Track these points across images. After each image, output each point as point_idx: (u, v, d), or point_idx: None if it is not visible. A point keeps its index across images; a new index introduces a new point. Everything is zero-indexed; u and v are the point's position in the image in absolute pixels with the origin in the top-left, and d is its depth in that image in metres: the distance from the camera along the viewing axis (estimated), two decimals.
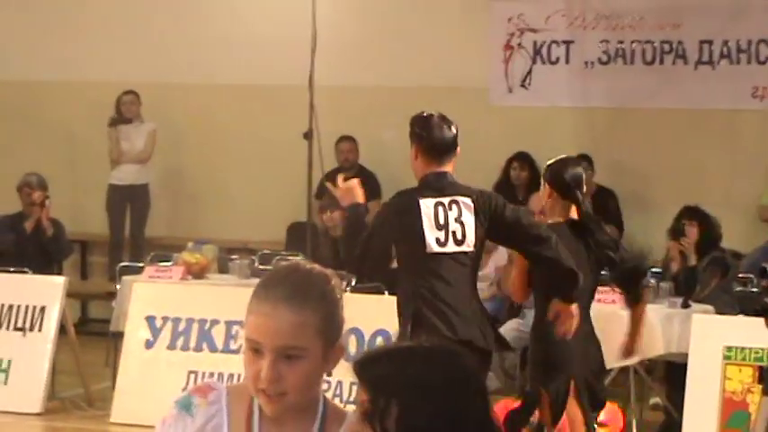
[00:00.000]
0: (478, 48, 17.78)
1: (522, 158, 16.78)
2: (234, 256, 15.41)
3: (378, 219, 8.96)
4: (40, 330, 13.54)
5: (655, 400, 13.71)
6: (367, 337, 12.74)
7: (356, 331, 12.59)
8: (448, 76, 17.41)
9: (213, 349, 13.38)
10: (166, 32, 18.57)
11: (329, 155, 16.18)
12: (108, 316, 15.06)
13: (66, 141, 16.96)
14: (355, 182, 9.34)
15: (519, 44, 17.71)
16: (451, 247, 8.59)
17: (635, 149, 16.99)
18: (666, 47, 16.98)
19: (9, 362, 13.51)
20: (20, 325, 13.63)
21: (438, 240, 8.58)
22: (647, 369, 13.14)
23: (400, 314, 8.81)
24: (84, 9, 18.86)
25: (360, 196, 8.96)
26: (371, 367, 3.39)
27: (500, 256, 14.71)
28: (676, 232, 14.04)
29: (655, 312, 12.29)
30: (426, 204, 8.59)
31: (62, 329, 13.57)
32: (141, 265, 15.29)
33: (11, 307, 13.68)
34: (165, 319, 13.37)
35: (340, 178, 9.58)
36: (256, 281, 4.12)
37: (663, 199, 16.26)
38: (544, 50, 17.57)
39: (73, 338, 13.72)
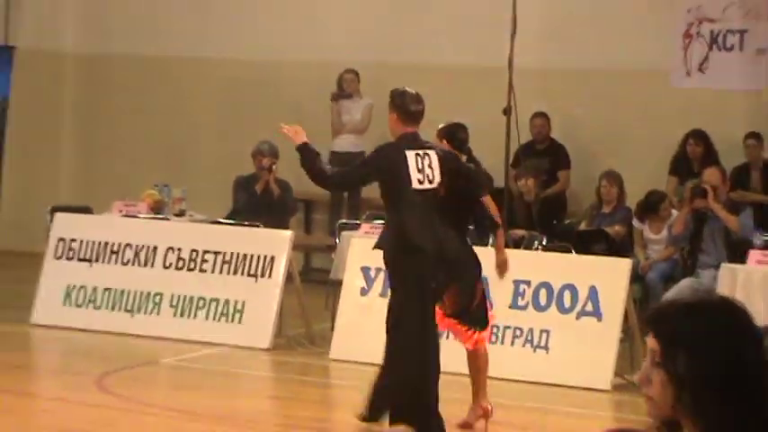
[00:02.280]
0: (660, 35, 17.73)
1: (698, 135, 16.68)
2: None
3: (372, 157, 10.74)
4: (269, 277, 13.94)
5: None
6: (556, 291, 12.92)
7: (546, 285, 12.94)
8: (632, 60, 17.41)
9: None
10: (383, 17, 18.71)
11: (524, 129, 16.22)
12: (328, 266, 15.48)
13: (295, 113, 17.26)
14: (298, 126, 10.89)
15: (697, 33, 17.72)
16: (426, 186, 10.27)
17: None
18: None
19: (243, 303, 13.91)
20: (252, 272, 14.01)
21: (419, 180, 10.24)
22: None
23: (388, 232, 10.52)
24: None
25: (303, 137, 10.49)
26: (662, 321, 3.49)
27: (675, 220, 14.86)
28: None
29: None
30: (409, 155, 10.20)
31: (288, 277, 13.93)
32: (358, 222, 15.65)
33: (245, 256, 14.05)
34: (378, 270, 13.32)
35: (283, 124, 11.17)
36: None
37: None
38: (720, 38, 17.52)
39: (298, 285, 14.12)
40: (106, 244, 14.75)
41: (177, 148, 19.17)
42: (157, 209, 15.26)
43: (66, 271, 14.85)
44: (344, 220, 16.58)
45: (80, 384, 12.15)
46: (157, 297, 14.47)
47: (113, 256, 14.70)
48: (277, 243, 14.23)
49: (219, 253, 14.31)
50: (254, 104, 19.22)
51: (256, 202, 15.60)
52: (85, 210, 15.84)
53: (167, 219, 15.26)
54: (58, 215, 15.33)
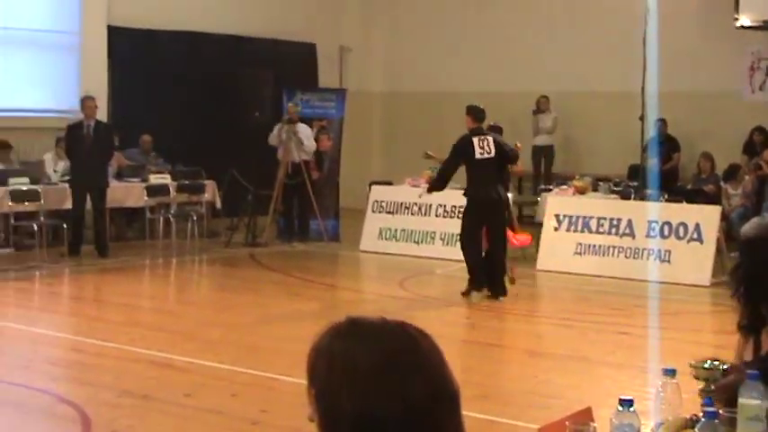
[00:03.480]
0: (735, 68, 16.94)
1: (759, 130, 16.06)
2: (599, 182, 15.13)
3: (454, 149, 11.42)
4: None
5: None
6: (674, 226, 12.86)
7: (668, 223, 12.95)
8: (717, 83, 16.84)
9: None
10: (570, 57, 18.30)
11: (651, 128, 16.31)
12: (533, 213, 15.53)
13: (510, 125, 16.57)
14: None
15: (758, 66, 16.96)
16: (485, 156, 11.15)
17: None
18: None
19: None
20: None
21: (480, 153, 11.14)
22: None
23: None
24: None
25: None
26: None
27: (746, 182, 14.85)
28: None
29: None
30: (473, 139, 11.22)
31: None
32: (550, 187, 15.52)
33: None
34: (565, 216, 13.64)
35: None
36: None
37: None
38: None
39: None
40: (401, 203, 15.10)
41: (441, 148, 18.97)
42: (430, 181, 14.83)
43: (379, 219, 15.31)
44: (542, 186, 16.65)
45: (389, 284, 12.55)
46: (432, 233, 14.71)
47: (406, 210, 15.03)
48: None
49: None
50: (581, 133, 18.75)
51: None
52: (389, 183, 16.21)
53: None
54: (374, 187, 15.89)
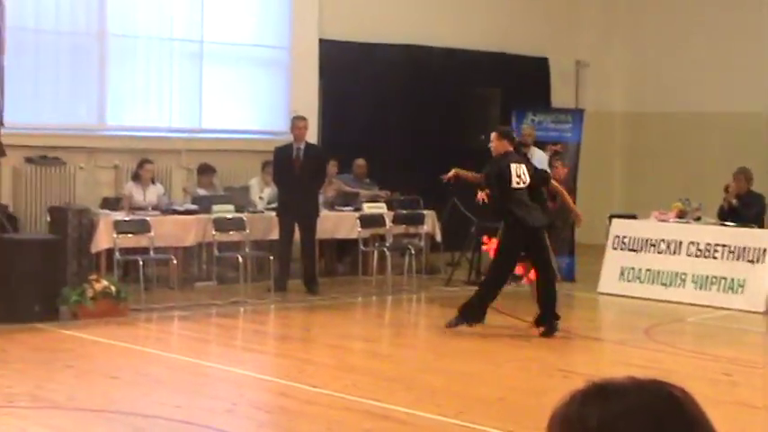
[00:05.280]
0: None
1: None
2: None
3: (488, 171, 11.76)
4: (763, 262, 13.68)
5: None
6: None
7: None
8: None
9: None
10: None
11: None
12: None
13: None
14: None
15: None
16: (521, 185, 11.47)
17: None
18: None
19: (744, 280, 13.73)
20: (750, 258, 13.83)
21: (516, 182, 11.46)
22: None
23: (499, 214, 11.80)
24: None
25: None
26: None
27: None
28: None
29: None
30: (511, 166, 11.49)
31: None
32: None
33: (744, 248, 13.86)
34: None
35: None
36: None
37: None
38: None
39: None
40: (647, 240, 15.01)
41: (694, 177, 18.74)
42: (681, 215, 15.21)
43: (620, 257, 15.18)
44: None
45: (633, 333, 12.40)
46: (683, 275, 14.52)
47: (652, 248, 14.89)
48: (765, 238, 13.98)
49: (726, 245, 14.21)
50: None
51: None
52: (632, 216, 16.00)
53: (688, 222, 15.08)
54: (615, 220, 15.74)
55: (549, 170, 15.95)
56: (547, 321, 11.77)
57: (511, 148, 11.78)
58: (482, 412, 8.45)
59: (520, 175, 11.58)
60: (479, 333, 12.20)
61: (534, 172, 11.79)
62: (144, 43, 16.41)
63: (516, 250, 11.69)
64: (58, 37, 15.63)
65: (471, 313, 11.71)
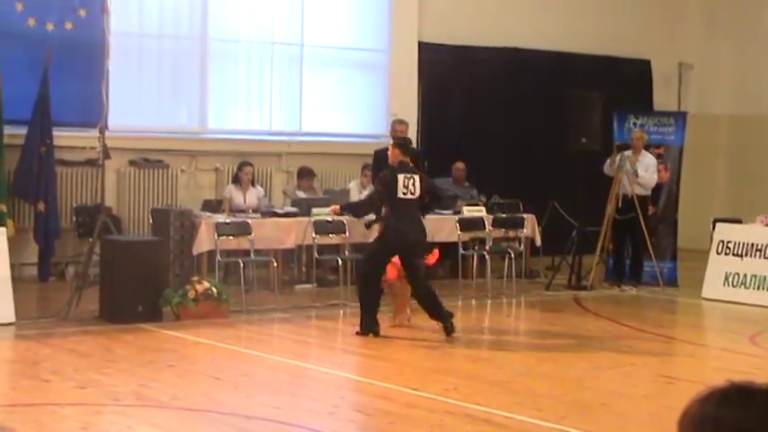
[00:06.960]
0: None
1: None
2: None
3: (378, 183, 11.84)
4: None
5: None
6: None
7: None
8: None
9: None
10: None
11: None
12: None
13: None
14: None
15: None
16: (409, 196, 11.49)
17: None
18: None
19: None
20: None
21: (404, 192, 11.47)
22: None
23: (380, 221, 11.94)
24: None
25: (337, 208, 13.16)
26: None
27: None
28: None
29: None
30: (399, 177, 11.51)
31: None
32: None
33: None
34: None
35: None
36: None
37: None
38: None
39: None
40: (752, 244, 14.82)
41: None
42: None
43: (725, 263, 15.06)
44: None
45: (737, 339, 12.25)
46: None
47: (757, 253, 14.72)
48: None
49: None
50: None
51: None
52: (737, 221, 15.84)
53: None
54: (719, 224, 15.64)
55: (655, 175, 15.83)
56: (444, 319, 11.76)
57: (406, 159, 11.78)
58: (584, 417, 8.39)
59: (408, 186, 11.58)
60: (581, 337, 12.14)
61: (428, 186, 11.85)
62: (245, 47, 16.65)
63: (385, 256, 11.70)
64: (160, 41, 15.90)
65: (365, 323, 11.70)
